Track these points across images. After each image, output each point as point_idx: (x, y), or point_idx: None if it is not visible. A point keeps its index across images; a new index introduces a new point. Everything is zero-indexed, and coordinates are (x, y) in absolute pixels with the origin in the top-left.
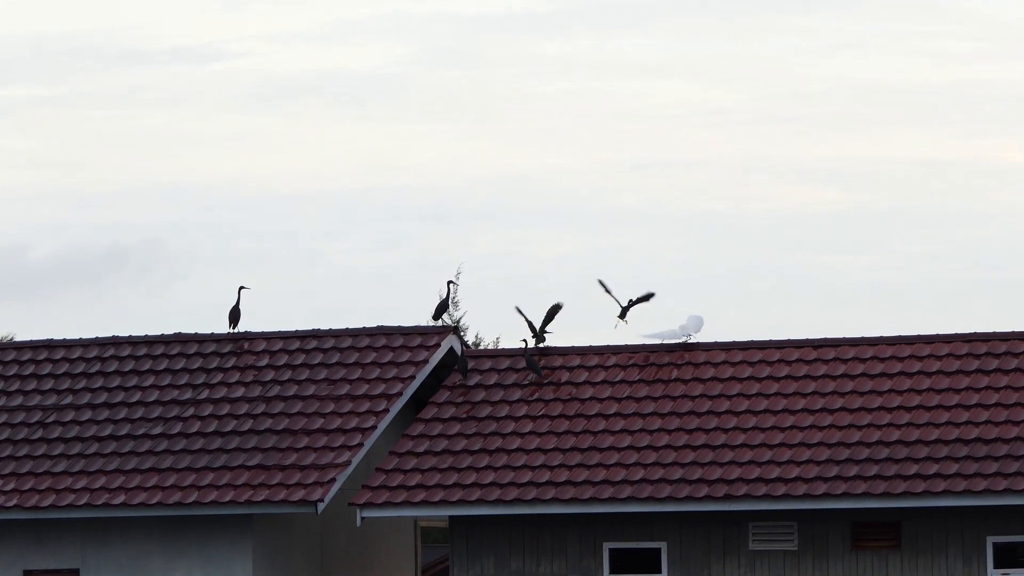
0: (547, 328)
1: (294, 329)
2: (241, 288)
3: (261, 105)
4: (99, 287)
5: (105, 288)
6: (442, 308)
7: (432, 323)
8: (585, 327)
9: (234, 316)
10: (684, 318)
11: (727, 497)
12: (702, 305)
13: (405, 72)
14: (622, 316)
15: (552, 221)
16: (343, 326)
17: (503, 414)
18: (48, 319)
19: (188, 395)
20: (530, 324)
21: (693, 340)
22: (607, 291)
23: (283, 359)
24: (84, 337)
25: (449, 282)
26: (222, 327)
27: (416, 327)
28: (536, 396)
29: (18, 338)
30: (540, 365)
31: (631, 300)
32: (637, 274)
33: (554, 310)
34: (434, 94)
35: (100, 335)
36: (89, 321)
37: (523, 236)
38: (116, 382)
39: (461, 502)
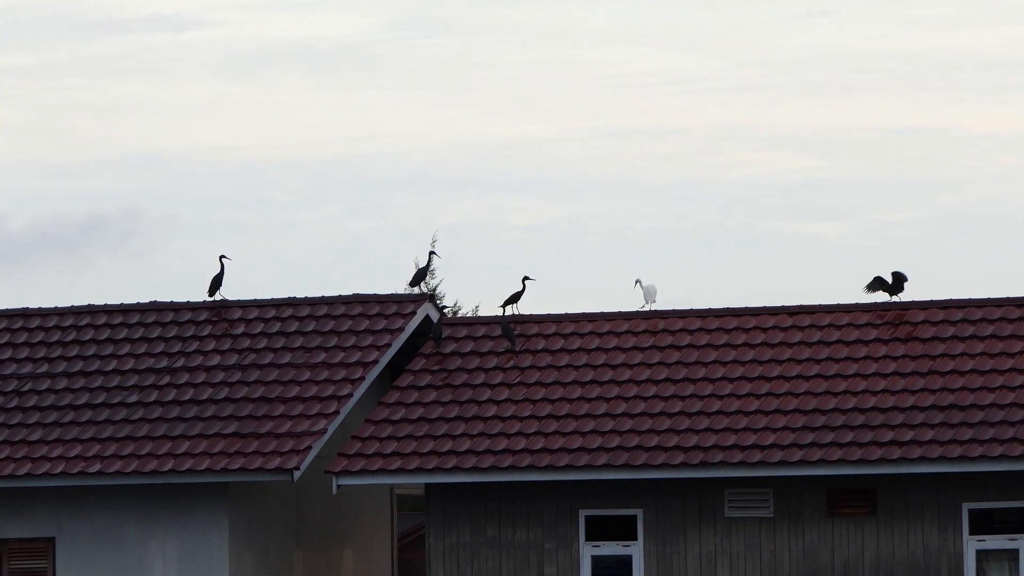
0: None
1: (270, 297)
2: (222, 257)
3: (236, 74)
4: (77, 256)
5: (83, 257)
6: (420, 276)
7: (408, 291)
8: (560, 294)
9: (215, 284)
10: (642, 284)
11: (703, 464)
12: (677, 273)
13: (379, 40)
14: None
15: (526, 189)
16: (319, 294)
17: (479, 382)
18: (26, 288)
19: (164, 363)
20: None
21: (653, 308)
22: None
23: (259, 327)
24: (60, 306)
25: (431, 252)
26: (200, 295)
27: (392, 295)
28: (512, 364)
29: None
30: (515, 333)
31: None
32: (610, 241)
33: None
34: (408, 62)
35: (77, 304)
36: (68, 290)
37: (497, 204)
38: (92, 350)
39: (437, 470)
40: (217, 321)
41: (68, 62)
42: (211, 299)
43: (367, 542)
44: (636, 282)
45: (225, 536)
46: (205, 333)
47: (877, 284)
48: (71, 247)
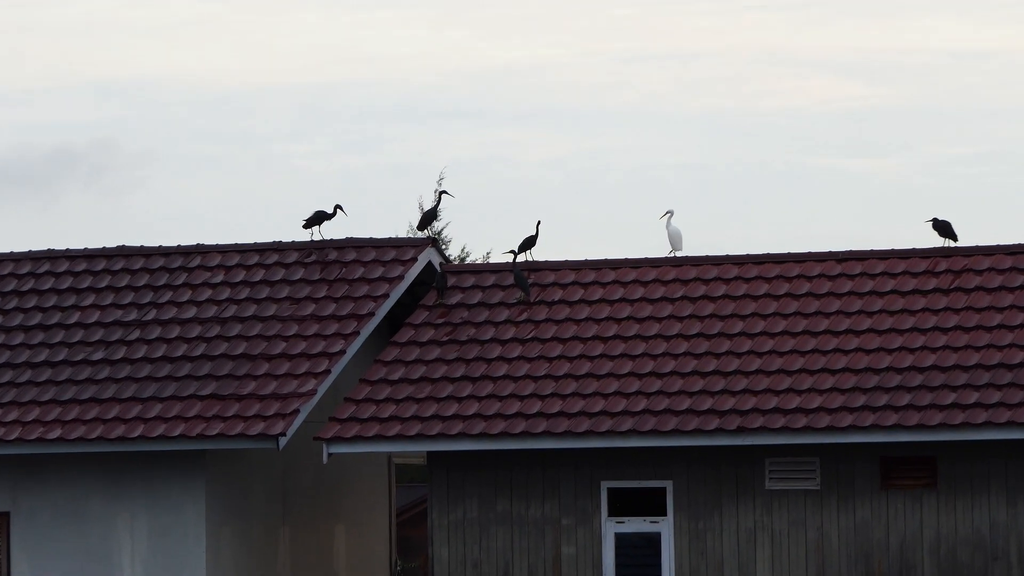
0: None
1: (252, 241)
2: (338, 206)
3: None
4: (42, 195)
5: (49, 196)
6: (428, 219)
7: (410, 235)
8: (579, 238)
9: (316, 219)
10: (671, 219)
11: (740, 430)
12: (709, 215)
13: None
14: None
15: (539, 121)
16: (307, 238)
17: (488, 337)
18: None
19: (133, 316)
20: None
21: (679, 255)
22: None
23: (240, 275)
24: (17, 251)
25: (441, 192)
26: (180, 239)
27: (390, 239)
28: (525, 317)
29: None
30: (530, 282)
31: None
32: (634, 179)
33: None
34: None
35: (36, 249)
36: (33, 232)
37: (507, 137)
38: (52, 301)
39: (441, 436)
40: (193, 268)
41: None
42: (306, 230)
43: (362, 517)
44: (666, 214)
45: (202, 511)
46: (180, 282)
47: (939, 227)
48: (35, 184)
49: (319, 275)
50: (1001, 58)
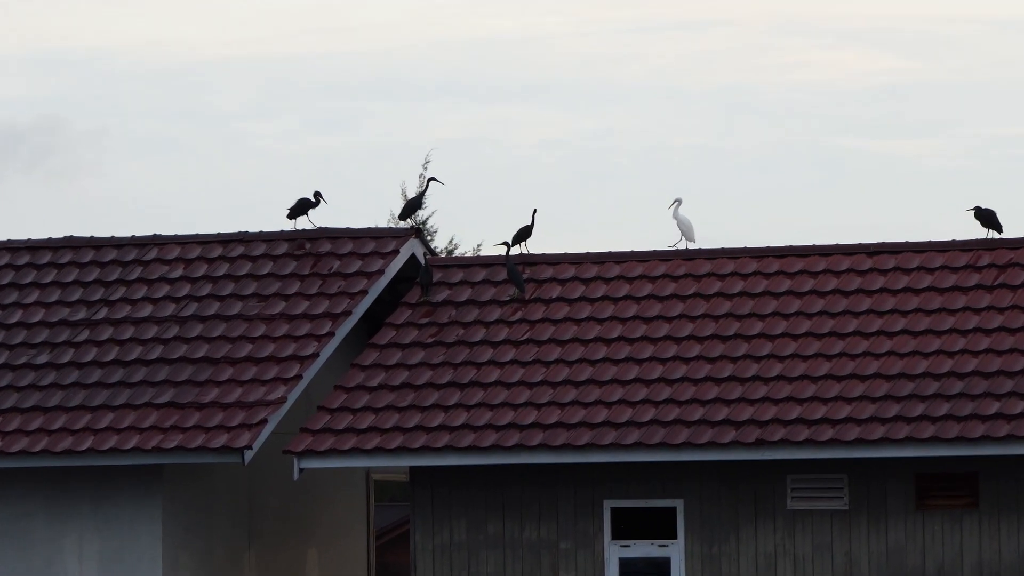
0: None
1: (216, 232)
2: (318, 194)
3: None
4: None
5: None
6: (412, 208)
7: (391, 225)
8: (580, 229)
9: (299, 209)
10: (680, 207)
11: (759, 443)
12: (724, 202)
13: None
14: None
15: (536, 98)
16: (276, 228)
17: (478, 338)
18: None
19: (82, 314)
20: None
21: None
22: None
23: (202, 269)
24: None
25: (430, 179)
26: (135, 229)
27: (369, 229)
28: (520, 316)
29: None
30: (524, 277)
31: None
32: (641, 163)
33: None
34: None
35: None
36: None
37: (501, 116)
38: None
39: (425, 450)
40: (149, 262)
41: None
42: (289, 222)
43: (336, 541)
44: (674, 203)
45: (158, 533)
46: (134, 277)
47: (981, 216)
48: None
49: (290, 270)
50: None
